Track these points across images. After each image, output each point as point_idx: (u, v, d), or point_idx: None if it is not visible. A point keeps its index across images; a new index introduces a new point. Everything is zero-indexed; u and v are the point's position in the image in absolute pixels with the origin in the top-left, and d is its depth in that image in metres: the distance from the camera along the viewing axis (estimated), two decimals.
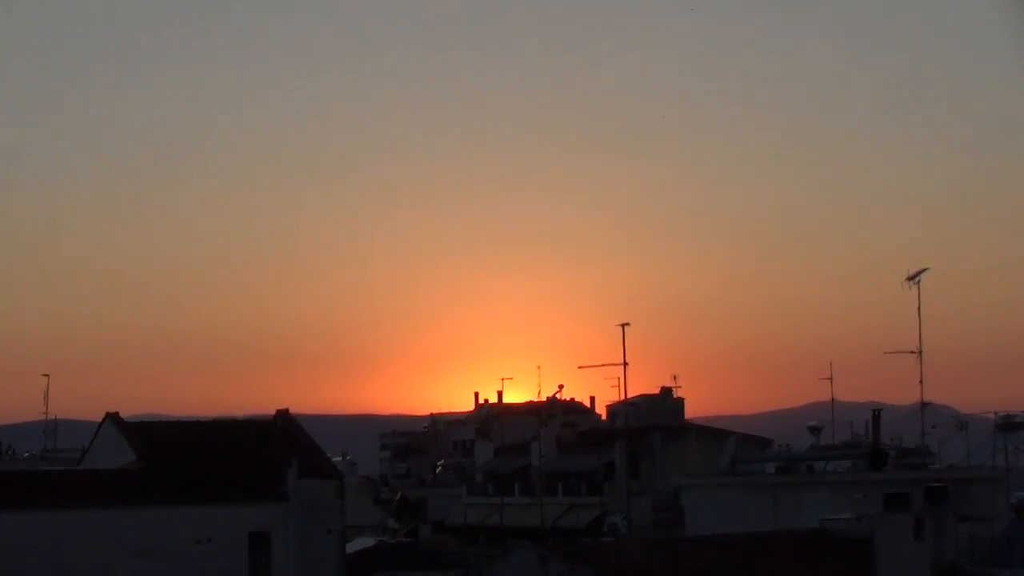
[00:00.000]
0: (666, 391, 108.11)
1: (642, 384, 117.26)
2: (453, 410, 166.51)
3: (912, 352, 75.96)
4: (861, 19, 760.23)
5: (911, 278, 76.37)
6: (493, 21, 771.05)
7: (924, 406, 77.73)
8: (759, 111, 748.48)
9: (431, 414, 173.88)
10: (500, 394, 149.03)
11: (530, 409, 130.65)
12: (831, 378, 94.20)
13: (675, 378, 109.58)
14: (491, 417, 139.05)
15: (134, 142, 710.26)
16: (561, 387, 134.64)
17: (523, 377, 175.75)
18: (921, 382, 76.19)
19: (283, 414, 58.57)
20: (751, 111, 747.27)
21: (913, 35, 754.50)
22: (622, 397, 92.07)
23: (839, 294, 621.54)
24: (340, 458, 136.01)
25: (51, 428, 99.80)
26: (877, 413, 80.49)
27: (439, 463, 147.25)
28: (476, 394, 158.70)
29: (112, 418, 56.62)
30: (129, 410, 59.56)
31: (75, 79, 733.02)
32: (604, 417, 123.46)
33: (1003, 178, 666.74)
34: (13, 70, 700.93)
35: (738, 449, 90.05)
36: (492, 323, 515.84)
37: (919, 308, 75.99)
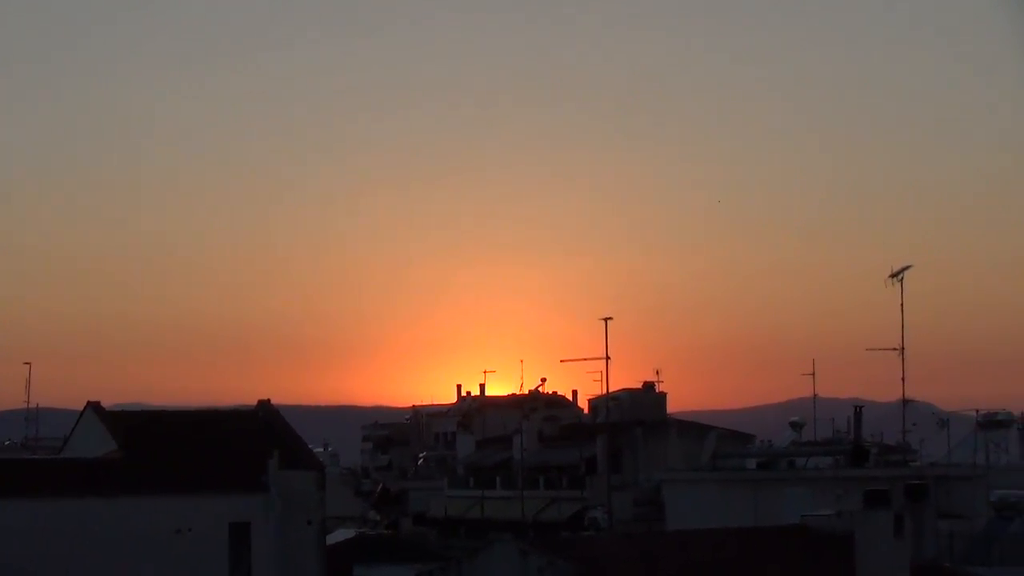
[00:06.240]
0: (648, 385, 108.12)
1: (624, 378, 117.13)
2: (435, 402, 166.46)
3: (894, 349, 76.28)
4: (850, 18, 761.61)
5: (894, 275, 76.59)
6: (484, 7, 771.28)
7: (906, 403, 78.03)
8: (745, 108, 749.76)
9: (413, 406, 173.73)
10: (483, 387, 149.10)
11: (512, 402, 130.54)
12: (813, 374, 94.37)
13: (657, 373, 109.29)
14: (473, 410, 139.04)
15: (115, 131, 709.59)
16: (543, 381, 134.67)
17: (506, 370, 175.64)
18: (903, 379, 76.54)
19: (265, 404, 58.44)
20: (737, 108, 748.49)
21: (899, 34, 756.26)
22: (604, 391, 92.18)
23: (822, 290, 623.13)
24: (321, 449, 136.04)
25: (32, 416, 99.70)
26: (859, 410, 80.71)
27: (421, 455, 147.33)
28: (459, 387, 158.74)
29: (93, 407, 56.38)
30: (111, 399, 59.62)
31: (57, 66, 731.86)
32: (586, 411, 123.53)
33: (987, 176, 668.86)
34: None
35: (719, 444, 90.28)
36: (475, 316, 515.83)
37: (902, 305, 76.24)
